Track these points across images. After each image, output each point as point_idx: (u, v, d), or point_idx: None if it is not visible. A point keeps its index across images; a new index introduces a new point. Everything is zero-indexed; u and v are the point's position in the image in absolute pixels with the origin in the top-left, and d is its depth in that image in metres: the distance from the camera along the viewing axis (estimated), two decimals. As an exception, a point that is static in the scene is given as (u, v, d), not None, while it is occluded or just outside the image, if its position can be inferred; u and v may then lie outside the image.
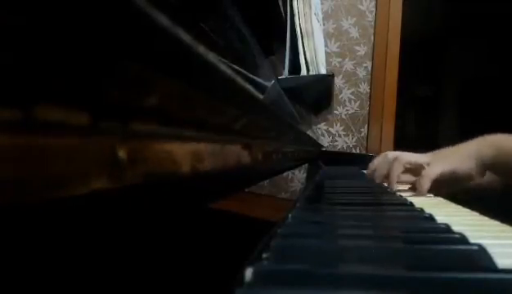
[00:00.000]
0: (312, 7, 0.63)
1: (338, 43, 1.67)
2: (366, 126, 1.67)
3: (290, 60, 0.60)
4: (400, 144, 1.66)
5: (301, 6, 0.61)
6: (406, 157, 0.68)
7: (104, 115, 0.11)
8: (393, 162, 0.68)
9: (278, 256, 0.22)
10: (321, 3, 1.44)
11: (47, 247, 0.12)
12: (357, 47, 1.67)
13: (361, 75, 1.67)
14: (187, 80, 0.15)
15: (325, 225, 0.32)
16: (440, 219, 0.34)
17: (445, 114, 3.70)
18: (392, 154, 0.72)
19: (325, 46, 1.39)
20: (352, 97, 1.67)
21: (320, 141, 1.29)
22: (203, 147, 0.20)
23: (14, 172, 0.09)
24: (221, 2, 0.42)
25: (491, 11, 2.77)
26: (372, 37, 1.66)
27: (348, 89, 1.67)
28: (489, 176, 0.70)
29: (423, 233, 0.30)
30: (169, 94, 0.15)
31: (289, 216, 0.33)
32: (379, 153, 0.89)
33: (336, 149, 1.66)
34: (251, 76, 0.42)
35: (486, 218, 0.40)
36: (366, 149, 1.66)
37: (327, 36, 1.64)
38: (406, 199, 0.49)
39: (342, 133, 1.68)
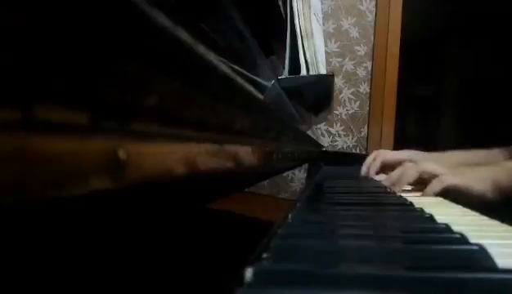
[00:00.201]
0: (312, 7, 0.63)
1: (338, 43, 1.67)
2: (366, 127, 1.67)
3: (290, 60, 0.60)
4: (400, 144, 1.66)
5: (300, 6, 0.61)
6: (424, 166, 0.69)
7: (104, 115, 0.11)
8: (408, 170, 0.68)
9: (278, 256, 0.22)
10: (321, 3, 1.44)
11: (47, 247, 0.12)
12: (357, 47, 1.67)
13: (361, 75, 1.67)
14: (187, 80, 0.15)
15: (325, 225, 0.32)
16: (440, 219, 0.34)
17: (445, 114, 3.70)
18: (405, 154, 0.74)
19: (325, 46, 1.39)
20: (352, 97, 1.67)
21: (320, 141, 1.29)
22: (203, 147, 0.20)
23: (14, 172, 0.09)
24: (221, 2, 0.42)
25: (491, 11, 2.77)
26: (372, 38, 1.66)
27: (348, 89, 1.67)
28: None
29: (423, 233, 0.30)
30: (169, 94, 0.15)
31: (289, 216, 0.33)
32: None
33: (336, 149, 1.66)
34: (251, 76, 0.42)
35: (486, 218, 0.40)
36: (366, 149, 1.66)
37: (327, 36, 1.64)
38: (406, 199, 0.49)
39: (342, 133, 1.68)
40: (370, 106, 1.67)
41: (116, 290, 0.30)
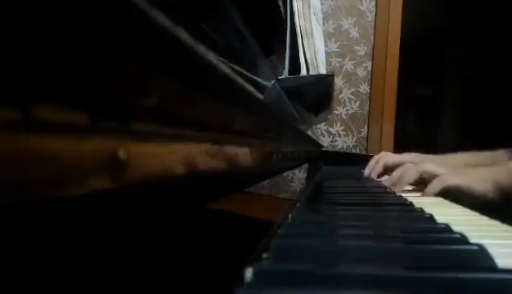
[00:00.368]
0: (312, 7, 0.63)
1: (338, 43, 1.67)
2: (366, 126, 1.67)
3: (290, 60, 0.60)
4: (400, 144, 1.66)
5: (300, 5, 0.61)
6: (425, 166, 0.69)
7: (104, 115, 0.11)
8: (408, 170, 0.68)
9: (278, 256, 0.22)
10: (321, 3, 1.44)
11: (47, 247, 0.12)
12: (357, 47, 1.67)
13: (361, 75, 1.67)
14: (187, 80, 0.15)
15: (325, 225, 0.32)
16: (440, 219, 0.34)
17: (445, 114, 3.70)
18: (406, 156, 0.75)
19: (325, 46, 1.39)
20: (352, 97, 1.67)
21: (320, 141, 1.29)
22: (203, 147, 0.20)
23: (14, 172, 0.09)
24: (221, 2, 0.42)
25: (491, 11, 2.77)
26: (372, 38, 1.66)
27: (348, 89, 1.67)
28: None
29: (423, 233, 0.30)
30: (169, 94, 0.15)
31: (289, 216, 0.33)
32: (379, 153, 0.90)
33: (336, 149, 1.66)
34: (251, 76, 0.42)
35: (486, 218, 0.40)
36: (366, 149, 1.66)
37: (327, 36, 1.64)
38: (406, 199, 0.49)
39: (342, 133, 1.68)
40: (370, 106, 1.67)
41: (116, 290, 0.30)
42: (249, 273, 0.18)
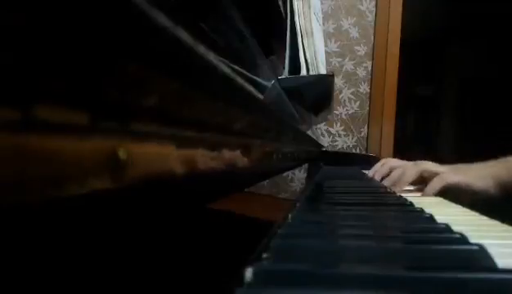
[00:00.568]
0: (312, 7, 0.63)
1: (338, 43, 1.67)
2: (366, 126, 1.67)
3: (290, 60, 0.60)
4: (400, 144, 1.66)
5: (301, 4, 0.61)
6: (424, 165, 0.69)
7: (104, 115, 0.11)
8: (408, 169, 0.68)
9: (278, 256, 0.22)
10: (321, 3, 1.44)
11: (46, 247, 0.12)
12: (357, 47, 1.67)
13: (361, 75, 1.67)
14: (187, 80, 0.15)
15: (325, 225, 0.32)
16: (440, 219, 0.34)
17: (445, 114, 3.70)
18: (410, 162, 0.74)
19: (325, 46, 1.39)
20: (352, 97, 1.67)
21: (320, 141, 1.29)
22: (203, 147, 0.20)
23: (14, 172, 0.09)
24: (221, 2, 0.42)
25: (491, 11, 2.77)
26: (372, 38, 1.66)
27: (348, 89, 1.67)
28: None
29: (423, 233, 0.30)
30: (169, 94, 0.15)
31: (289, 216, 0.33)
32: (379, 153, 0.90)
33: (336, 149, 1.66)
34: (251, 76, 0.42)
35: (486, 218, 0.40)
36: (366, 149, 1.66)
37: (327, 36, 1.64)
38: (405, 199, 0.49)
39: (342, 133, 1.68)
40: (370, 106, 1.67)
41: (116, 290, 0.30)
42: (249, 273, 0.18)
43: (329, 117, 1.53)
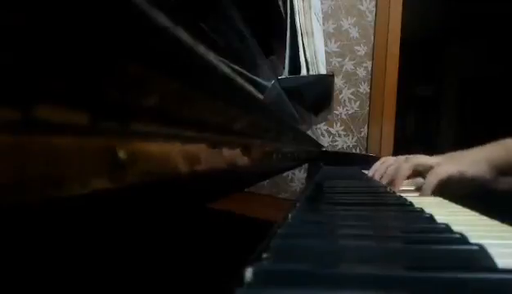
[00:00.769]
0: (312, 7, 0.63)
1: (338, 43, 1.67)
2: (366, 126, 1.67)
3: (290, 60, 0.60)
4: (400, 144, 1.66)
5: (301, 4, 0.61)
6: (417, 159, 0.68)
7: (104, 115, 0.11)
8: (402, 165, 0.68)
9: (278, 256, 0.22)
10: (321, 3, 1.44)
11: (47, 247, 0.12)
12: (357, 47, 1.67)
13: (361, 75, 1.67)
14: (187, 80, 0.15)
15: (325, 225, 0.32)
16: (440, 219, 0.34)
17: (445, 114, 3.70)
18: (402, 157, 0.73)
19: (325, 46, 1.39)
20: (352, 97, 1.67)
21: (320, 141, 1.29)
22: (203, 147, 0.20)
23: (14, 172, 0.09)
24: (221, 2, 0.42)
25: (491, 11, 2.77)
26: (372, 37, 1.66)
27: (348, 89, 1.67)
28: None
29: (423, 233, 0.30)
30: (169, 94, 0.15)
31: (289, 216, 0.33)
32: (379, 153, 0.90)
33: (336, 149, 1.66)
34: (251, 76, 0.42)
35: (486, 218, 0.40)
36: (366, 149, 1.66)
37: (327, 36, 1.64)
38: (405, 199, 0.49)
39: (342, 133, 1.68)
40: (370, 106, 1.67)
41: (116, 290, 0.30)
42: (249, 273, 0.18)
43: (329, 117, 1.53)
